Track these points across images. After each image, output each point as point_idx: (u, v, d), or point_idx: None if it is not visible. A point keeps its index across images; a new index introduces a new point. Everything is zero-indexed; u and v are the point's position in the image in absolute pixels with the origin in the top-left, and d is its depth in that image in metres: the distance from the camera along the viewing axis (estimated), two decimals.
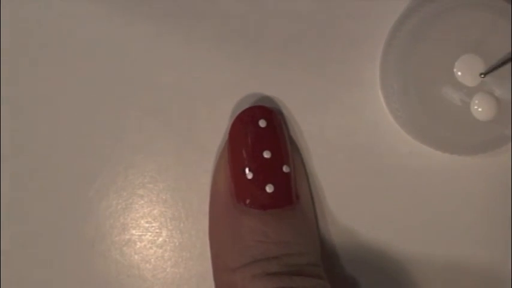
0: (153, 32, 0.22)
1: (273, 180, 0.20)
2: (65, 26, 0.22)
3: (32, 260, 0.22)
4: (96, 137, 0.22)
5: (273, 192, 0.20)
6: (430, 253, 0.22)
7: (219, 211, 0.21)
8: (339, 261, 0.22)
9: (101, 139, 0.22)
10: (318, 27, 0.22)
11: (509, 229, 0.22)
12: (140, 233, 0.22)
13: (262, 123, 0.20)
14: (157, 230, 0.22)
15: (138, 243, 0.22)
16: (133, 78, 0.22)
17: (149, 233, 0.22)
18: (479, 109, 0.20)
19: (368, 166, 0.22)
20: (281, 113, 0.22)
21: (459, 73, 0.20)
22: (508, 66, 0.20)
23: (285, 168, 0.20)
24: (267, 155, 0.20)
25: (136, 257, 0.22)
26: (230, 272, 0.19)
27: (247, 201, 0.20)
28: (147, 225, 0.22)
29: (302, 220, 0.20)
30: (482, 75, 0.19)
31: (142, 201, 0.22)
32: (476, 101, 0.20)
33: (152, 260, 0.22)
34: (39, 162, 0.22)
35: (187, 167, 0.22)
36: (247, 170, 0.20)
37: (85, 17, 0.22)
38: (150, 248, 0.22)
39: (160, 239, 0.22)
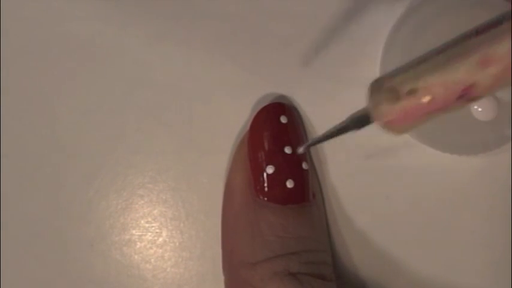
0: (153, 32, 0.22)
1: (293, 175, 0.20)
2: (65, 26, 0.22)
3: (32, 260, 0.22)
4: (96, 137, 0.22)
5: (293, 188, 0.20)
6: (429, 252, 0.22)
7: (236, 206, 0.21)
8: (340, 260, 0.22)
9: (101, 139, 0.22)
10: (318, 27, 0.22)
11: (509, 229, 0.22)
12: (140, 233, 0.22)
13: (283, 119, 0.20)
14: (157, 230, 0.22)
15: (138, 243, 0.22)
16: (133, 78, 0.22)
17: (149, 233, 0.22)
18: (479, 109, 0.20)
19: (368, 166, 0.22)
20: (297, 111, 0.22)
21: None
22: None
23: (304, 165, 0.20)
24: (288, 150, 0.20)
25: (136, 257, 0.22)
26: (249, 267, 0.19)
27: (268, 195, 0.20)
28: (147, 225, 0.22)
29: (317, 218, 0.21)
30: (302, 150, 0.18)
31: (142, 201, 0.22)
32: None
33: (152, 260, 0.22)
34: (39, 162, 0.22)
35: (187, 167, 0.22)
36: (268, 165, 0.20)
37: (85, 17, 0.22)
38: (150, 248, 0.22)
39: (160, 239, 0.22)
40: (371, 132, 0.22)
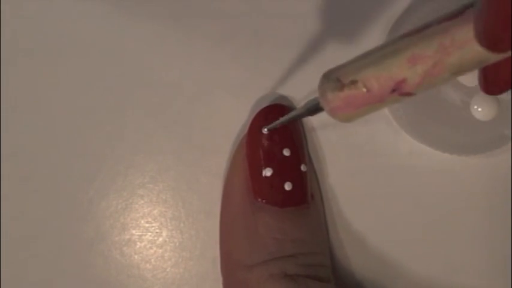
0: (153, 32, 0.22)
1: (291, 178, 0.20)
2: (65, 25, 0.22)
3: (32, 260, 0.22)
4: (96, 137, 0.22)
5: (291, 190, 0.20)
6: (429, 252, 0.22)
7: (234, 208, 0.21)
8: (339, 261, 0.22)
9: (101, 139, 0.22)
10: (318, 27, 0.22)
11: (509, 229, 0.22)
12: (140, 233, 0.22)
13: None
14: (157, 230, 0.22)
15: (138, 243, 0.22)
16: (134, 78, 0.22)
17: (149, 233, 0.22)
18: (479, 109, 0.20)
19: (368, 166, 0.22)
20: None
21: None
22: None
23: (303, 167, 0.20)
24: (286, 153, 0.20)
25: (136, 257, 0.22)
26: (246, 269, 0.19)
27: (265, 198, 0.20)
28: (147, 225, 0.22)
29: (315, 220, 0.21)
30: (266, 130, 0.20)
31: (142, 201, 0.22)
32: (476, 101, 0.20)
33: (152, 260, 0.22)
34: (39, 162, 0.22)
35: (187, 167, 0.22)
36: (266, 168, 0.20)
37: (85, 17, 0.22)
38: (150, 248, 0.22)
39: (160, 239, 0.22)
40: (371, 132, 0.22)
